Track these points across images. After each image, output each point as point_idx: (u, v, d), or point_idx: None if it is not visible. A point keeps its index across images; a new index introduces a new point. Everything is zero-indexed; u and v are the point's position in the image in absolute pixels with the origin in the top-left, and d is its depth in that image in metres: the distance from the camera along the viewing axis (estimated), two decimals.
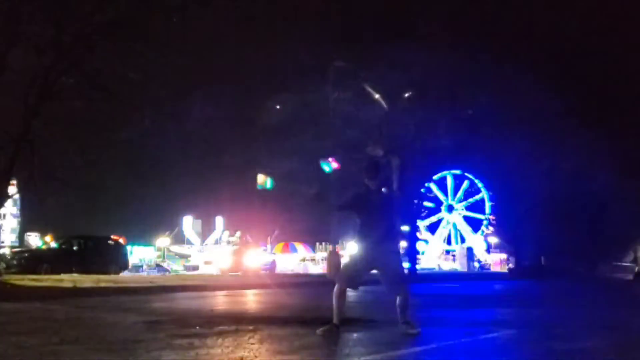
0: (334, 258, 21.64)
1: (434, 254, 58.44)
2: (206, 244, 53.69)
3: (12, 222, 42.28)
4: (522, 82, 28.90)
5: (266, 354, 4.26)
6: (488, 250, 56.76)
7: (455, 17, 26.53)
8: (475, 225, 59.32)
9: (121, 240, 24.90)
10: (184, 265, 44.88)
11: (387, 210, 5.32)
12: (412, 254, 31.28)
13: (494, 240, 53.83)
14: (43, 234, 36.19)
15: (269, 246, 42.82)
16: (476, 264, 50.28)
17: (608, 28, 28.11)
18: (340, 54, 25.47)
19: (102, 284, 13.11)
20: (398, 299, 5.25)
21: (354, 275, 5.32)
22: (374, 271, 5.38)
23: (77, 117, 13.45)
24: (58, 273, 18.78)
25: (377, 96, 25.90)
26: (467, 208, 59.65)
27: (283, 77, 29.00)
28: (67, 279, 15.41)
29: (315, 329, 5.14)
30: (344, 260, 4.85)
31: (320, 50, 26.34)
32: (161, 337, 5.04)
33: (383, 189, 5.33)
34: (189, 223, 55.01)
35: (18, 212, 41.55)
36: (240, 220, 49.63)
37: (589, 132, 31.56)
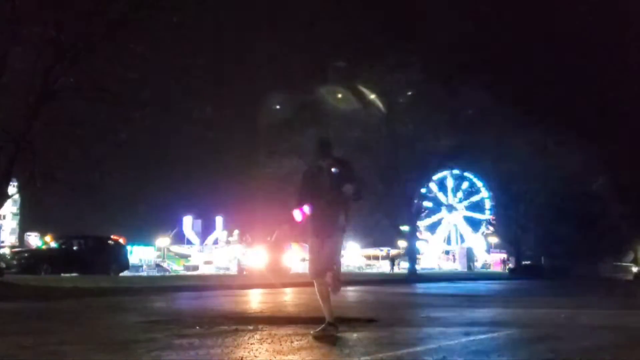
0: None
1: (434, 254, 58.48)
2: (206, 244, 53.74)
3: (12, 222, 42.32)
4: (522, 81, 28.93)
5: (266, 354, 4.26)
6: (488, 250, 56.80)
7: (455, 16, 26.53)
8: (475, 225, 59.38)
9: (121, 240, 24.89)
10: (184, 265, 44.91)
11: (335, 196, 5.17)
12: (412, 254, 31.30)
13: (494, 240, 53.88)
14: (43, 234, 36.19)
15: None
16: (476, 264, 50.31)
17: (608, 29, 28.12)
18: (341, 53, 25.50)
19: (102, 284, 13.11)
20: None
21: (320, 264, 5.28)
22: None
23: (77, 117, 13.43)
24: (58, 273, 18.81)
25: (372, 96, 25.92)
26: (467, 208, 59.71)
27: (283, 77, 28.99)
28: (67, 279, 15.43)
29: (316, 329, 5.14)
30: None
31: (320, 50, 26.36)
32: (161, 337, 5.04)
33: (333, 169, 5.23)
34: (189, 223, 55.05)
35: (18, 212, 41.59)
36: (240, 220, 49.64)
37: (589, 132, 31.59)
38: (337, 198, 5.19)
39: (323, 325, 5.12)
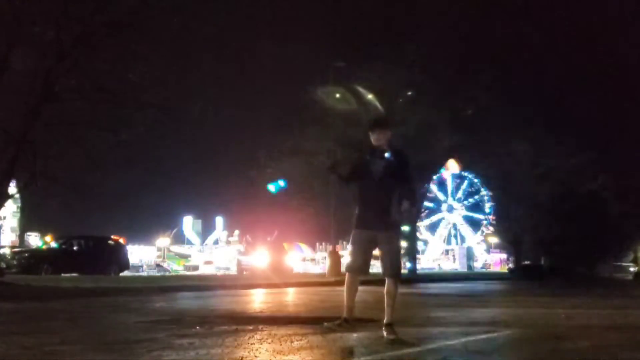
0: (333, 258, 21.68)
1: (434, 254, 58.51)
2: (206, 244, 53.75)
3: (12, 222, 42.28)
4: (522, 81, 28.94)
5: (266, 354, 4.27)
6: (488, 250, 56.82)
7: (456, 16, 26.55)
8: (475, 225, 59.41)
9: (121, 240, 24.92)
10: (184, 265, 45.00)
11: (388, 185, 4.87)
12: (412, 254, 31.29)
13: (494, 240, 53.88)
14: (43, 234, 36.22)
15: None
16: (476, 264, 50.34)
17: (609, 29, 28.13)
18: (341, 53, 25.47)
19: (102, 284, 13.11)
20: (387, 284, 5.01)
21: (362, 259, 5.04)
22: (378, 251, 5.07)
23: (78, 118, 13.44)
24: (58, 273, 18.83)
25: (369, 96, 25.91)
26: (467, 208, 59.72)
27: (284, 77, 29.02)
28: (67, 279, 15.44)
29: (316, 329, 5.14)
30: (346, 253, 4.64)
31: (320, 50, 26.37)
32: (161, 337, 5.05)
33: (386, 154, 4.92)
34: (189, 223, 55.07)
35: (18, 212, 41.56)
36: (240, 220, 49.66)
37: (590, 131, 31.59)
38: (389, 188, 4.85)
39: (338, 321, 5.07)
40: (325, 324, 5.07)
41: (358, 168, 5.08)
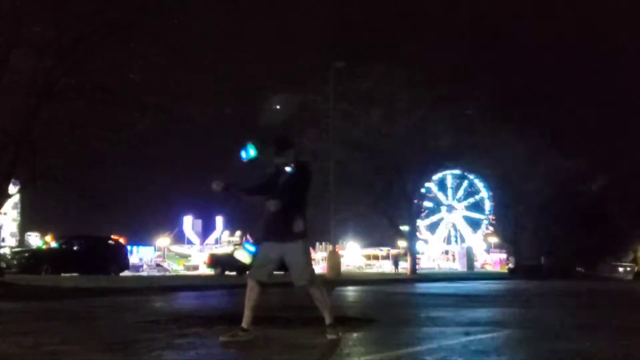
0: (333, 258, 21.70)
1: (433, 254, 58.51)
2: (206, 244, 53.72)
3: (12, 222, 42.26)
4: (522, 81, 28.97)
5: (266, 354, 4.27)
6: (488, 250, 56.83)
7: (455, 16, 26.59)
8: (475, 225, 59.40)
9: (121, 240, 24.93)
10: (184, 265, 44.98)
11: (287, 197, 4.83)
12: (412, 254, 31.29)
13: (493, 240, 53.89)
14: (43, 234, 36.19)
15: None
16: (475, 264, 50.35)
17: (608, 30, 28.17)
18: (341, 53, 25.51)
19: (102, 284, 13.12)
20: (310, 293, 4.95)
21: (263, 265, 5.03)
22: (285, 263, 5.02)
23: (78, 117, 13.45)
24: (58, 273, 18.85)
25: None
26: (467, 208, 59.70)
27: (284, 77, 29.04)
28: (68, 279, 15.45)
29: (315, 329, 5.13)
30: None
31: (320, 50, 26.39)
32: (161, 337, 5.05)
33: (287, 168, 4.95)
34: (189, 223, 55.04)
35: (18, 212, 41.54)
36: (240, 220, 49.65)
37: (589, 131, 31.60)
38: (291, 200, 4.85)
39: (234, 330, 4.91)
40: (221, 338, 4.83)
41: (266, 185, 5.13)
